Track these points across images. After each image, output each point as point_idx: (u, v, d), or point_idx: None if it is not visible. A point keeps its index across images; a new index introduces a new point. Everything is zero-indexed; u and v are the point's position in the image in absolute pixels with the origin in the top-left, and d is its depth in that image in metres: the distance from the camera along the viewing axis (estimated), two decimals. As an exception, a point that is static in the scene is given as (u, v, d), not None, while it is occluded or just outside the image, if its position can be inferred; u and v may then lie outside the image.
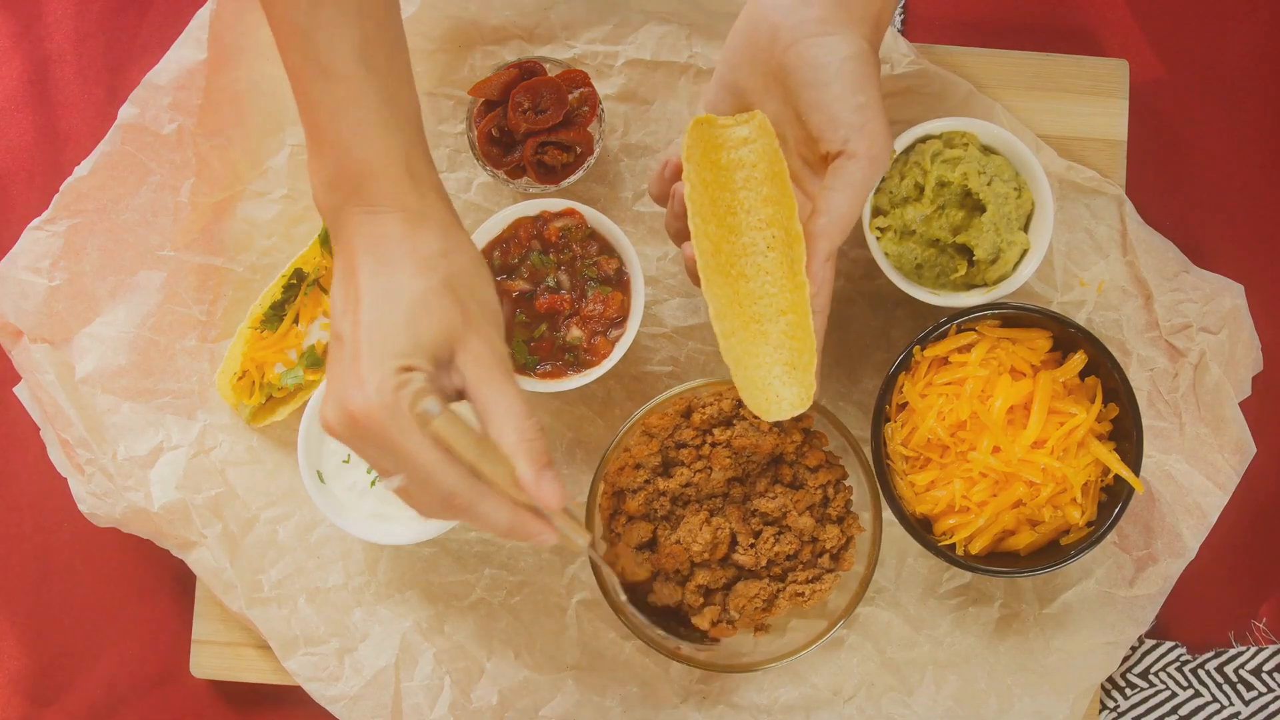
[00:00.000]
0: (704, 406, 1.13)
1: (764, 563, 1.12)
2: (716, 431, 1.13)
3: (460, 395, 0.92)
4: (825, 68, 0.93)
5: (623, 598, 1.10)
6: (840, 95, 0.93)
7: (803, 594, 1.13)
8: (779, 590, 1.14)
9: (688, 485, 1.13)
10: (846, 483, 1.15)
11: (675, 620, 1.15)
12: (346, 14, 0.91)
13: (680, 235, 1.01)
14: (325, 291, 1.16)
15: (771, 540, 1.12)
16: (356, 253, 0.92)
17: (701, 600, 1.13)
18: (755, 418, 1.12)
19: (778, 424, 1.13)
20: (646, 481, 1.13)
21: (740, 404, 1.13)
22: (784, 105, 0.97)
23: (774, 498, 1.13)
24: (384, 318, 0.88)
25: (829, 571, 1.14)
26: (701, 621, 1.13)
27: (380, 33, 0.93)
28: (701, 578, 1.13)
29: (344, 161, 0.93)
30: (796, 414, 0.98)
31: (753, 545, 1.13)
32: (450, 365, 0.90)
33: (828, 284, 0.97)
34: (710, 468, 1.13)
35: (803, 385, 0.98)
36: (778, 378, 0.99)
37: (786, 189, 0.96)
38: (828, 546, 1.13)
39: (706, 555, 1.12)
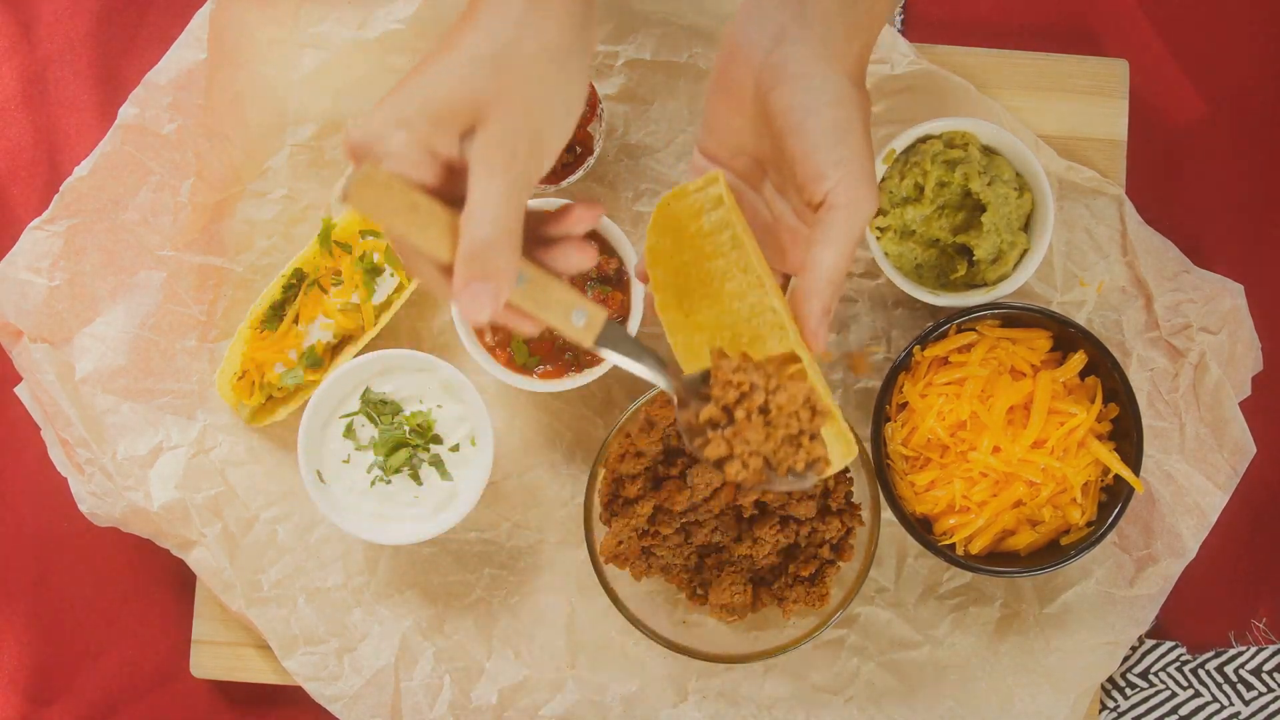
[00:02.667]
0: None
1: (766, 551, 1.12)
2: None
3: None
4: (807, 114, 0.89)
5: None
6: (822, 145, 0.89)
7: (807, 599, 1.13)
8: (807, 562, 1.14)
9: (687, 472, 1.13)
10: (847, 475, 1.15)
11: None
12: None
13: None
14: (325, 291, 1.16)
15: (775, 530, 1.12)
16: None
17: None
18: None
19: None
20: (647, 469, 1.13)
21: None
22: (773, 146, 0.93)
23: None
24: (426, 70, 0.85)
25: (830, 563, 1.14)
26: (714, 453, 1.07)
27: None
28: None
29: None
30: (847, 462, 0.92)
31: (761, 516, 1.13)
32: (470, 139, 0.85)
33: (821, 336, 0.93)
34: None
35: (841, 438, 0.91)
36: None
37: (750, 258, 0.91)
38: (828, 537, 1.13)
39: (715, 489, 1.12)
